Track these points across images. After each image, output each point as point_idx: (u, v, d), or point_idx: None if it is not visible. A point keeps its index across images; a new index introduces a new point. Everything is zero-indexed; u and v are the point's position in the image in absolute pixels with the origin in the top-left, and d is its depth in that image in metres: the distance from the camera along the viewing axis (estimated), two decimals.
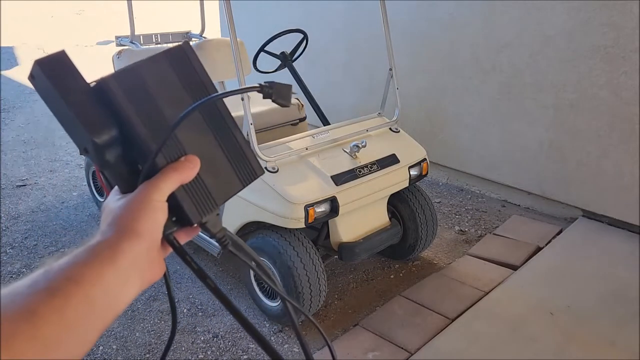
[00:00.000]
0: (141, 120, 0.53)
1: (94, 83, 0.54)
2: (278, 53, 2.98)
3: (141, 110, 0.53)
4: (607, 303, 2.39)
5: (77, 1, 12.42)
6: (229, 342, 2.30)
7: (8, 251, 3.11)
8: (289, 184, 2.16)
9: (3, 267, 2.95)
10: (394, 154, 2.50)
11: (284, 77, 3.23)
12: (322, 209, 2.17)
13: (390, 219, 2.60)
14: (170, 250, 0.57)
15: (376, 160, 2.42)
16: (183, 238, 0.59)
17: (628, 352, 2.09)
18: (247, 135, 2.19)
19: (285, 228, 2.20)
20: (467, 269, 2.75)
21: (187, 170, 0.54)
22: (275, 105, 3.59)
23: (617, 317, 2.29)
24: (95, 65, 8.07)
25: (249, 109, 2.14)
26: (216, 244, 0.60)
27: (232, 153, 0.59)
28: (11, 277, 2.84)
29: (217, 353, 2.23)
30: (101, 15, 11.81)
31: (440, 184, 3.97)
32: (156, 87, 0.55)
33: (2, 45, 9.12)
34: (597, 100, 2.95)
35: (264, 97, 0.56)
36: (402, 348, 2.17)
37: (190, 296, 2.63)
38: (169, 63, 0.57)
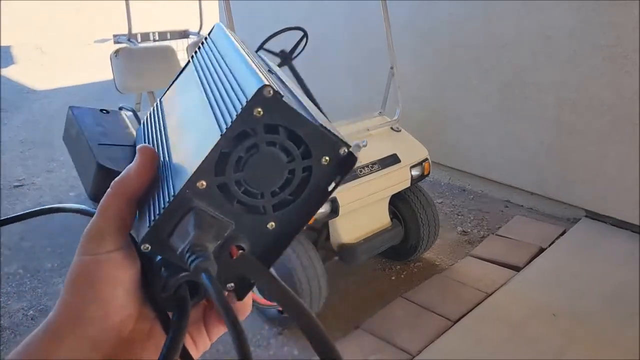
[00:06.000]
0: None
1: None
2: (277, 51, 2.94)
3: None
4: (610, 304, 2.37)
5: (76, 0, 12.39)
6: (228, 344, 2.27)
7: (5, 252, 3.08)
8: None
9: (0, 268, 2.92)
10: (395, 154, 2.46)
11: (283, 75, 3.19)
12: (322, 209, 2.14)
13: (391, 219, 2.57)
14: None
15: (377, 160, 2.38)
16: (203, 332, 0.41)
17: (629, 353, 2.07)
18: None
19: None
20: (469, 270, 2.72)
21: (132, 169, 0.38)
22: None
23: (620, 318, 2.27)
24: (92, 63, 8.05)
25: None
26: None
27: None
28: (8, 277, 2.81)
29: (217, 354, 2.20)
30: (99, 14, 11.77)
31: (442, 184, 3.94)
32: None
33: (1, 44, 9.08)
34: (598, 100, 2.92)
35: None
36: (403, 350, 2.14)
37: None
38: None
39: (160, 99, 0.52)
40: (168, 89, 0.51)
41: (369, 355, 2.12)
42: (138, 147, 0.39)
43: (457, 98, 3.66)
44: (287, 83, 0.45)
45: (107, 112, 0.54)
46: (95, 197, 0.45)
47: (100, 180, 0.46)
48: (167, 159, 0.39)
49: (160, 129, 0.45)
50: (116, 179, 0.37)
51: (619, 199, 2.96)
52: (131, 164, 0.38)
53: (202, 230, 0.33)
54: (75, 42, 9.39)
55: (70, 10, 12.20)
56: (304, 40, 2.98)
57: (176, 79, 0.51)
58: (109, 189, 0.37)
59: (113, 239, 0.36)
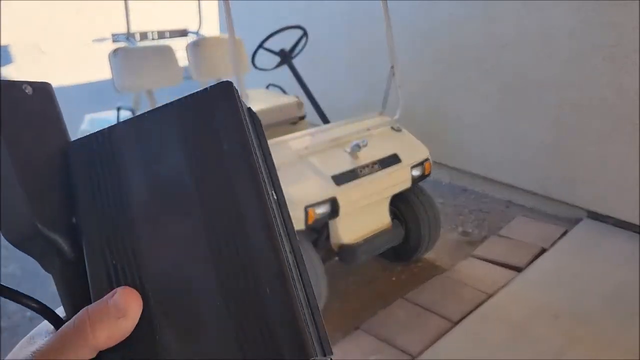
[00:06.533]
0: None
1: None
2: (277, 50, 2.93)
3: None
4: (611, 305, 2.36)
5: (76, 0, 12.38)
6: None
7: (3, 253, 3.07)
8: (288, 184, 2.12)
9: None
10: (395, 154, 2.45)
11: (283, 74, 3.18)
12: (322, 209, 2.13)
13: (392, 219, 2.56)
14: None
15: (377, 160, 2.37)
16: None
17: (629, 353, 2.06)
18: None
19: None
20: (470, 271, 2.71)
21: (110, 325, 0.31)
22: (274, 104, 3.55)
23: (620, 319, 2.26)
24: (91, 63, 8.03)
25: None
26: None
27: (244, 301, 0.31)
28: (6, 278, 2.81)
29: None
30: (99, 14, 11.76)
31: (443, 184, 3.93)
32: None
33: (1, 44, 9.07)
34: (599, 100, 2.91)
35: None
36: (404, 352, 2.13)
37: None
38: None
39: (110, 133, 0.36)
40: (127, 122, 0.37)
41: (369, 355, 2.11)
42: (120, 299, 0.31)
43: (457, 98, 3.65)
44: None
45: (33, 87, 0.36)
46: (12, 243, 0.36)
47: (29, 242, 0.36)
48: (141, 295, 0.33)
49: (122, 214, 0.35)
50: (92, 327, 0.30)
51: (620, 199, 2.95)
52: (112, 315, 0.31)
53: None
54: (74, 41, 9.38)
55: (70, 10, 12.18)
56: (304, 39, 2.97)
57: (140, 115, 0.37)
58: (77, 325, 0.31)
59: None
